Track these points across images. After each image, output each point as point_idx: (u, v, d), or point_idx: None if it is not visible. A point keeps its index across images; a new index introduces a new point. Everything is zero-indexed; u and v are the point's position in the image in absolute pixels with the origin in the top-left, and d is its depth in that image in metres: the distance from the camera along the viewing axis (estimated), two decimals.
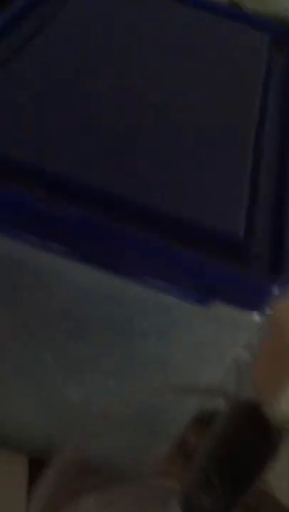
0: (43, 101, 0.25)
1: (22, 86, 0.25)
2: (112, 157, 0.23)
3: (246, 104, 0.28)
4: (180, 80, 0.29)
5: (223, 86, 0.29)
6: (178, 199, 0.22)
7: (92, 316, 0.22)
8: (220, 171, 0.24)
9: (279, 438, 0.17)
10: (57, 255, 0.20)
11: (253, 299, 0.20)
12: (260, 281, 0.20)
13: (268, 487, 0.22)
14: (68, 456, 0.22)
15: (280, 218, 0.23)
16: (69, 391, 0.26)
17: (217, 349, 0.22)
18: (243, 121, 0.27)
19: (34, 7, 0.31)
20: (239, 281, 0.20)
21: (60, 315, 0.23)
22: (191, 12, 0.35)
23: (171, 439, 0.27)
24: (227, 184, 0.23)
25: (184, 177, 0.23)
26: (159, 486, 0.26)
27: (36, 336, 0.24)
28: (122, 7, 0.34)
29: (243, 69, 0.31)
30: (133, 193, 0.21)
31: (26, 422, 0.29)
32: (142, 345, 0.23)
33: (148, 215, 0.21)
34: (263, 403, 0.16)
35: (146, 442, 0.29)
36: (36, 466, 0.31)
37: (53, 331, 0.24)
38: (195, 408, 0.25)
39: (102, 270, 0.21)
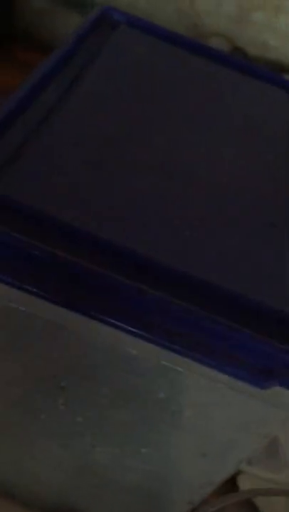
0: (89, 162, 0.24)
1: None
2: (175, 234, 0.22)
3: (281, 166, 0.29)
4: (214, 143, 0.28)
5: (258, 147, 0.30)
6: (233, 275, 0.22)
7: (139, 387, 0.22)
8: (264, 243, 0.24)
9: None
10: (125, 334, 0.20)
11: None
12: None
13: None
14: None
15: None
16: (95, 453, 0.25)
17: (260, 430, 0.22)
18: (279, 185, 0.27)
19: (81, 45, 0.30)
20: None
21: (103, 381, 0.22)
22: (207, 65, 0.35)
23: None
24: (272, 257, 0.24)
25: (234, 251, 0.23)
26: None
27: (73, 398, 0.23)
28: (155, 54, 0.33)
29: (274, 128, 0.31)
30: (206, 278, 0.21)
31: (43, 477, 0.28)
32: (186, 419, 0.22)
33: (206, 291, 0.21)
34: None
35: None
36: None
37: (92, 396, 0.23)
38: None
39: (159, 344, 0.20)
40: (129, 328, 0.19)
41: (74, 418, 0.24)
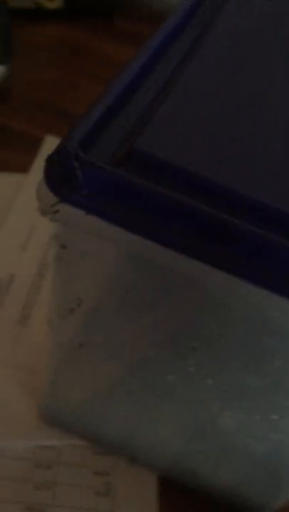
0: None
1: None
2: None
3: None
4: None
5: None
6: None
7: (275, 351, 0.21)
8: None
9: None
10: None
11: None
12: None
13: None
14: None
15: None
16: (223, 418, 0.25)
17: None
18: None
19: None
20: None
21: (237, 343, 0.22)
22: None
23: None
24: None
25: None
26: None
27: (203, 360, 0.23)
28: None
29: None
30: None
31: (164, 441, 0.28)
32: None
33: None
34: None
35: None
36: (165, 484, 0.30)
37: (224, 358, 0.23)
38: None
39: None
40: (274, 287, 0.19)
41: (204, 380, 0.23)
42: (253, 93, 0.24)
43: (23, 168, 0.44)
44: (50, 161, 0.19)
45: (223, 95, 0.24)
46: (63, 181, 0.19)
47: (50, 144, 0.46)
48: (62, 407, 0.30)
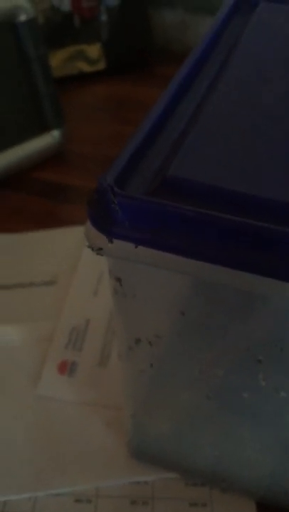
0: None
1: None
2: None
3: None
4: None
5: None
6: None
7: None
8: None
9: None
10: None
11: None
12: None
13: None
14: None
15: None
16: None
17: None
18: None
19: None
20: None
21: None
22: None
23: None
24: None
25: None
26: None
27: (272, 372, 0.23)
28: None
29: None
30: None
31: (254, 464, 0.28)
32: None
33: None
34: None
35: None
36: (263, 509, 0.30)
37: None
38: None
39: None
40: None
41: (277, 393, 0.23)
42: (275, 113, 0.24)
43: (86, 219, 0.46)
44: (90, 201, 0.21)
45: (245, 118, 0.24)
46: (104, 217, 0.20)
47: None
48: (148, 441, 0.31)
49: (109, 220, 0.20)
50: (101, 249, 0.20)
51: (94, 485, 0.31)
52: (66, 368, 0.37)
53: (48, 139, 0.52)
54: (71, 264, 0.44)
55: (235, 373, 0.24)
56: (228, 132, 0.23)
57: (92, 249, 0.21)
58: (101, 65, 0.65)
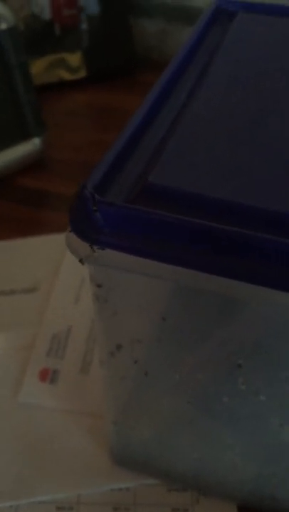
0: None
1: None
2: None
3: None
4: None
5: None
6: None
7: None
8: None
9: None
10: None
11: None
12: None
13: None
14: None
15: None
16: (287, 434, 0.25)
17: None
18: None
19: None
20: None
21: (281, 356, 0.22)
22: None
23: None
24: None
25: None
26: None
27: (251, 376, 0.23)
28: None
29: None
30: None
31: (236, 468, 0.28)
32: None
33: None
34: None
35: None
36: None
37: (271, 372, 0.23)
38: None
39: None
40: None
41: (256, 397, 0.23)
42: (254, 119, 0.25)
43: (67, 226, 0.46)
44: (72, 208, 0.21)
45: (225, 124, 0.25)
46: (85, 224, 0.20)
47: None
48: (130, 447, 0.31)
49: (90, 227, 0.20)
50: (82, 258, 0.20)
51: (75, 492, 0.31)
52: (48, 376, 0.36)
53: (28, 147, 0.52)
54: (52, 271, 0.44)
55: (216, 378, 0.24)
56: (208, 139, 0.24)
57: (76, 257, 0.21)
58: (82, 73, 0.65)
